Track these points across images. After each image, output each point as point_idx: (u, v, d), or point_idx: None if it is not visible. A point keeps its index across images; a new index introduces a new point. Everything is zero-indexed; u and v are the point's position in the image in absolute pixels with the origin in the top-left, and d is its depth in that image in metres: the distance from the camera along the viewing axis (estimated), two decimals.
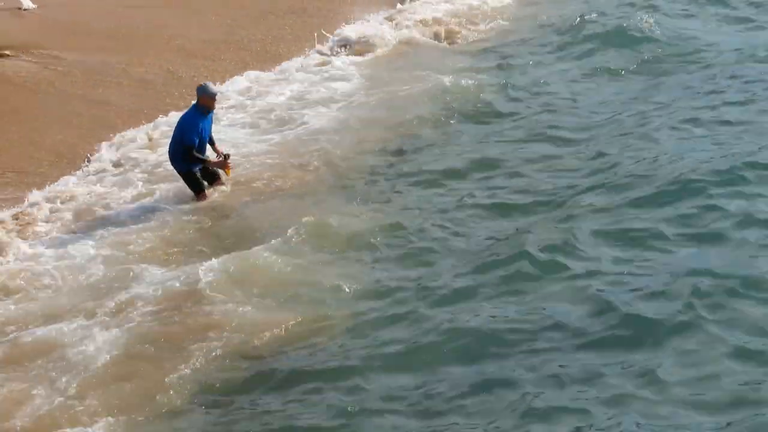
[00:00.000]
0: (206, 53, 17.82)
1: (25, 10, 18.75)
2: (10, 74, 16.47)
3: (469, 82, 15.93)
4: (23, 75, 16.48)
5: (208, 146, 12.92)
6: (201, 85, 12.74)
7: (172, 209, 12.61)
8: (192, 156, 12.51)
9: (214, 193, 12.96)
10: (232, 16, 19.51)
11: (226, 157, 12.74)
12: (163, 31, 18.56)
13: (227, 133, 14.54)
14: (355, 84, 16.44)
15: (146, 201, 12.90)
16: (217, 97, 12.69)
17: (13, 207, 12.96)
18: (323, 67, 17.16)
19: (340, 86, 16.31)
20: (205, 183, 12.89)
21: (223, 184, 13.05)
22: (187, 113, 12.77)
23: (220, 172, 13.07)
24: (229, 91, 16.19)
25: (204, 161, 12.57)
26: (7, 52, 16.79)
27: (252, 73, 16.95)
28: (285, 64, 17.44)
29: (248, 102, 15.95)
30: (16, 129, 14.91)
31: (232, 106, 15.76)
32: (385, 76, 16.72)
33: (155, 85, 16.52)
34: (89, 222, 12.52)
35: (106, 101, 15.95)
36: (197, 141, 12.47)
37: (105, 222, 12.46)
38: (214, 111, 13.05)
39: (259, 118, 15.32)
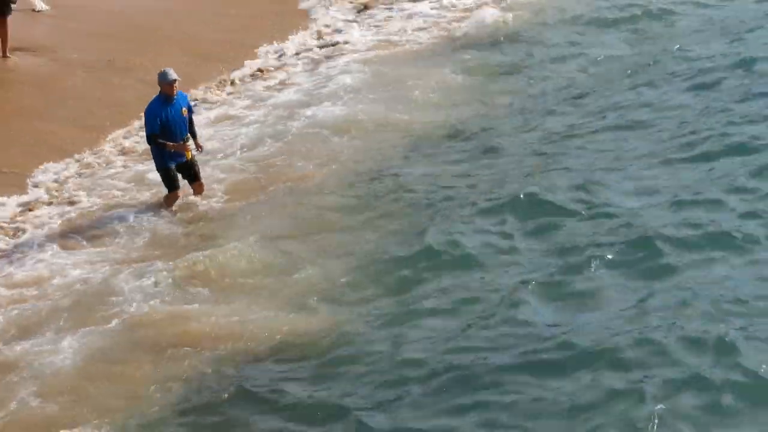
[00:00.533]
0: (219, 54, 17.93)
1: (38, 11, 18.90)
2: (20, 74, 16.63)
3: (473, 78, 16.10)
4: (34, 75, 16.62)
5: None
6: (161, 71, 12.65)
7: (163, 214, 12.67)
8: (157, 143, 12.48)
9: (198, 200, 13.00)
10: (243, 18, 19.64)
11: (185, 140, 12.67)
12: (174, 33, 18.67)
13: (230, 132, 14.76)
14: (358, 82, 16.51)
15: (139, 204, 12.98)
16: (175, 84, 12.49)
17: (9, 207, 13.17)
18: (328, 66, 17.39)
19: (345, 84, 16.40)
20: (183, 181, 12.92)
21: (203, 191, 13.05)
22: (150, 102, 12.73)
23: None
24: (236, 88, 16.51)
25: (164, 145, 12.48)
26: (8, 55, 17.04)
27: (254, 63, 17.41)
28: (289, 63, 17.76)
29: (256, 102, 16.13)
30: (23, 127, 15.04)
31: (246, 106, 15.96)
32: (388, 73, 16.80)
33: None
34: (76, 225, 12.60)
35: (118, 102, 16.01)
36: (157, 128, 12.40)
37: (92, 225, 12.54)
38: (186, 97, 13.00)
39: (265, 116, 15.48)
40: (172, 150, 12.57)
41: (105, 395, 9.42)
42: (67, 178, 13.84)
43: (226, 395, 9.37)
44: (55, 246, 12.13)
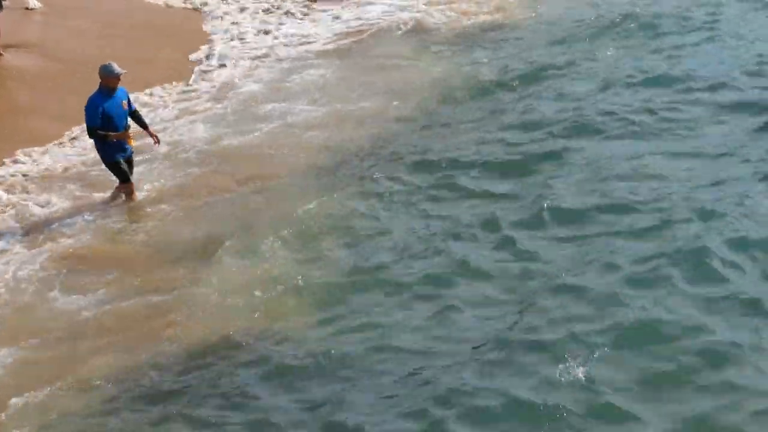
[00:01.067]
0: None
1: (30, 9, 19.01)
2: (12, 71, 16.75)
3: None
4: (26, 72, 16.73)
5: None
6: (104, 65, 12.66)
7: (114, 212, 12.66)
8: (97, 135, 12.51)
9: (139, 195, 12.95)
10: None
11: (127, 128, 12.73)
12: (165, 31, 18.77)
13: (194, 128, 14.78)
14: (317, 76, 16.54)
15: (96, 202, 12.98)
16: (120, 77, 12.50)
17: None
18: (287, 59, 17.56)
19: (305, 78, 16.44)
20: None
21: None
22: (90, 96, 12.71)
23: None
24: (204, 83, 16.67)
25: (106, 136, 12.52)
26: (0, 52, 17.01)
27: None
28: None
29: (218, 96, 16.20)
30: (16, 124, 15.11)
31: (209, 99, 16.04)
32: (346, 66, 16.89)
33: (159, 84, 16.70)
34: (34, 225, 12.56)
35: None
36: (98, 120, 12.45)
37: (44, 224, 12.52)
38: (126, 91, 12.86)
39: (224, 110, 15.51)
40: (114, 140, 12.62)
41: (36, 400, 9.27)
42: (36, 173, 13.89)
43: (166, 401, 9.10)
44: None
